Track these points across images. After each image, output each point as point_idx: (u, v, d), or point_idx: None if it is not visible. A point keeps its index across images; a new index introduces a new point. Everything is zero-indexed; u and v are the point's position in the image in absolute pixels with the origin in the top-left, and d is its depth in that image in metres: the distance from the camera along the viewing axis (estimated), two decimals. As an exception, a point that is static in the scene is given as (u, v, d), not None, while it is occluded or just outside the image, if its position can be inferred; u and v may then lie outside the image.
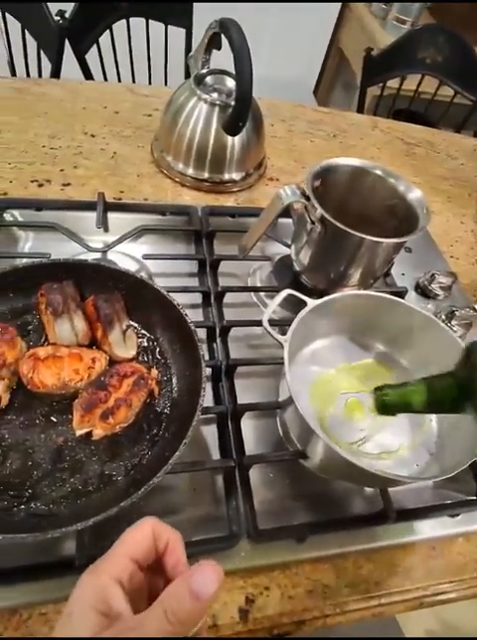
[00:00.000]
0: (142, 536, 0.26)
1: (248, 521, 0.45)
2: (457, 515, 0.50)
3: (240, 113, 0.68)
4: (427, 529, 0.49)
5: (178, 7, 1.23)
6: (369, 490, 0.50)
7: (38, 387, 0.43)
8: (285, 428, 0.52)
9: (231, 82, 0.73)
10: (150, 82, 1.29)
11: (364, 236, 0.51)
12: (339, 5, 1.96)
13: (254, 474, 0.49)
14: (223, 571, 0.23)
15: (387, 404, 0.41)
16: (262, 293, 0.65)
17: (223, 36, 0.66)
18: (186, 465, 0.45)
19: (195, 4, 1.24)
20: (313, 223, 0.53)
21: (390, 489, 0.49)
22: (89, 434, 0.42)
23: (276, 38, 2.00)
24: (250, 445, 0.52)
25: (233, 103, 0.68)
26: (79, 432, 0.42)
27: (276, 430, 0.54)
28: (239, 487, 0.46)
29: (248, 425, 0.53)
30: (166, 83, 1.32)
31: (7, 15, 1.09)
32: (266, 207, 0.55)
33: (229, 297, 0.63)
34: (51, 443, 0.43)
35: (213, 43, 0.70)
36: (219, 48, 0.70)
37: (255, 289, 0.64)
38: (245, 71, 0.63)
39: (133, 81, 1.27)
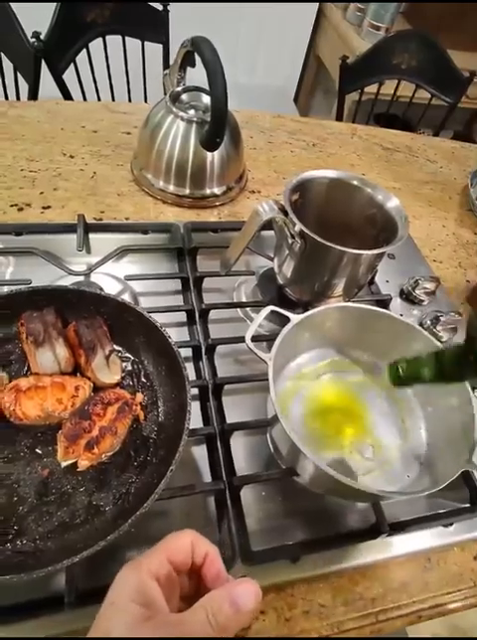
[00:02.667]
0: (182, 543, 0.28)
1: (241, 543, 0.44)
2: (451, 524, 0.49)
3: (217, 129, 0.68)
4: (422, 540, 0.48)
5: (154, 23, 1.24)
6: (363, 503, 0.50)
7: (20, 419, 0.42)
8: (275, 445, 0.52)
9: (206, 99, 0.73)
10: (130, 99, 1.29)
11: (344, 248, 0.51)
12: (315, 13, 1.98)
13: (247, 493, 0.48)
14: (261, 591, 0.26)
15: (401, 377, 0.42)
16: (248, 308, 0.65)
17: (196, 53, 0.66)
18: (175, 490, 0.45)
19: (171, 18, 1.25)
20: (293, 237, 0.53)
21: (382, 502, 0.48)
22: (75, 465, 0.42)
23: (255, 48, 2.02)
24: (241, 463, 0.51)
25: (209, 119, 0.68)
26: (64, 464, 0.41)
27: (267, 446, 0.54)
28: (231, 509, 0.46)
29: (239, 443, 0.53)
30: (146, 100, 1.32)
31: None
32: (246, 223, 0.55)
33: (215, 313, 0.63)
34: (36, 476, 0.42)
35: (186, 61, 0.71)
36: (193, 65, 0.71)
37: (240, 305, 0.64)
38: (219, 87, 0.63)
39: (113, 99, 1.28)
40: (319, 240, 0.51)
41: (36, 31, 0.99)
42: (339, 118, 1.35)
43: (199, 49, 0.63)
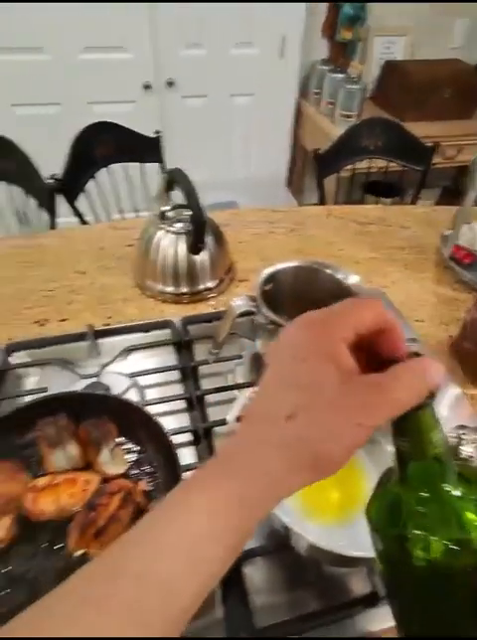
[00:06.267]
0: (373, 314, 0.26)
1: (246, 622, 0.46)
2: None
3: (198, 237, 0.80)
4: (426, 602, 0.49)
5: (150, 148, 1.46)
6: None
7: (38, 516, 0.48)
8: (271, 518, 0.55)
9: (188, 212, 0.86)
10: (137, 213, 1.48)
11: (310, 328, 0.58)
12: (293, 111, 2.25)
13: (251, 567, 0.51)
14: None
15: None
16: (240, 389, 0.71)
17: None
18: (179, 571, 0.48)
19: (165, 140, 1.47)
20: (266, 324, 0.61)
21: (379, 565, 0.50)
22: (87, 554, 0.47)
23: (245, 146, 2.29)
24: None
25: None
26: (76, 554, 0.46)
27: (269, 516, 0.57)
28: (234, 589, 0.49)
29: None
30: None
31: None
32: (224, 315, 0.64)
33: (215, 396, 0.69)
34: (54, 569, 0.47)
35: (169, 185, 0.85)
36: (173, 189, 0.84)
37: (229, 388, 0.70)
38: (195, 205, 0.76)
39: (122, 216, 1.47)
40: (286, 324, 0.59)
41: (53, 174, 1.20)
42: (321, 200, 1.48)
43: (175, 178, 0.77)
